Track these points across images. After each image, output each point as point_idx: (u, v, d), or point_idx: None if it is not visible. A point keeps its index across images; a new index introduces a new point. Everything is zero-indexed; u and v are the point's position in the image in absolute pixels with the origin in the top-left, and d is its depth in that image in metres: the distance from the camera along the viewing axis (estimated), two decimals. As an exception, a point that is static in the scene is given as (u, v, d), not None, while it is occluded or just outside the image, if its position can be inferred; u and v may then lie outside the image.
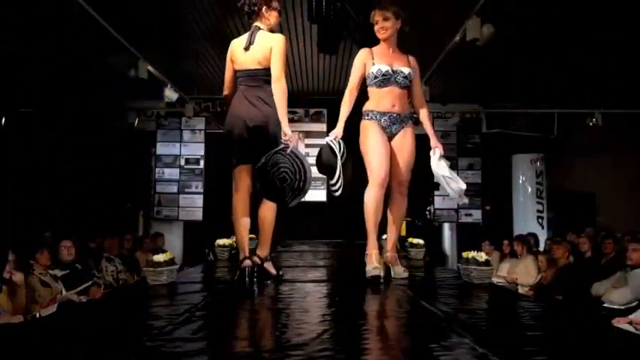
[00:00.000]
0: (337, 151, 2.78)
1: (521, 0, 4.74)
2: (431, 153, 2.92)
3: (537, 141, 8.19)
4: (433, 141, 2.94)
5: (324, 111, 8.10)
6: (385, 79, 2.85)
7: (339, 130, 2.89)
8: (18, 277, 3.52)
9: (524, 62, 6.38)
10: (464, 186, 2.96)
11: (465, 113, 8.17)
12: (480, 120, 8.28)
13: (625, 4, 4.78)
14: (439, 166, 2.90)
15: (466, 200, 3.11)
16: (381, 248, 2.98)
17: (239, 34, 2.95)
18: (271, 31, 2.85)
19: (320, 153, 2.86)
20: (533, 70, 6.65)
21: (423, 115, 3.04)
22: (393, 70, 2.85)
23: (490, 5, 3.95)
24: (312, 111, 8.02)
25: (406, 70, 2.87)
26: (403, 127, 2.93)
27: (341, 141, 2.84)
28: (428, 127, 3.01)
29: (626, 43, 5.72)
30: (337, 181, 2.78)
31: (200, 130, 7.81)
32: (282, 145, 2.64)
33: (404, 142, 2.92)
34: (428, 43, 5.88)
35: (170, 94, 6.34)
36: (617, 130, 8.08)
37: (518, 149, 8.14)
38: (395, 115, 2.88)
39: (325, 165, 2.81)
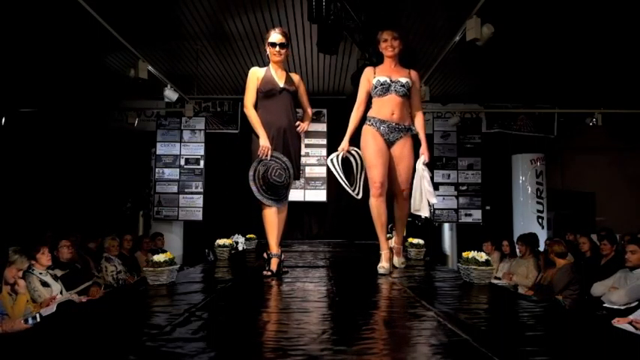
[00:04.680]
0: (334, 170, 3.20)
1: (521, 0, 4.75)
2: (419, 160, 3.20)
3: (537, 141, 8.20)
4: (422, 147, 3.21)
5: (324, 111, 8.10)
6: (384, 88, 3.13)
7: (344, 144, 3.25)
8: (21, 284, 3.53)
9: (524, 62, 6.39)
10: (433, 200, 3.19)
11: (465, 113, 8.18)
12: (480, 120, 8.29)
13: (625, 4, 4.78)
14: (422, 171, 3.19)
15: (426, 213, 3.25)
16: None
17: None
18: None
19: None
20: (533, 70, 6.65)
21: (418, 121, 3.27)
22: (391, 80, 3.13)
23: (490, 5, 3.95)
24: (312, 111, 8.02)
25: (403, 80, 3.13)
26: (402, 137, 3.18)
27: (356, 150, 3.26)
28: (421, 134, 3.27)
29: (626, 43, 5.72)
30: (355, 189, 3.26)
31: (200, 130, 7.81)
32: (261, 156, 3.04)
33: (403, 153, 3.19)
34: (428, 43, 5.90)
35: (170, 94, 6.34)
36: (617, 130, 8.09)
37: (518, 149, 8.15)
38: (393, 124, 3.15)
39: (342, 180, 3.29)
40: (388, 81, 3.12)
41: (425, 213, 3.19)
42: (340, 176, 3.21)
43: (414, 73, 3.23)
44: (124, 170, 8.10)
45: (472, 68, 6.61)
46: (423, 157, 3.17)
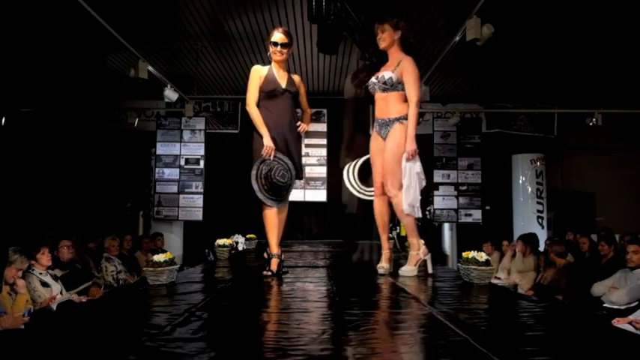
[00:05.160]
0: (345, 176, 3.35)
1: (521, 0, 4.75)
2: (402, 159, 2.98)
3: (537, 141, 8.20)
4: (407, 143, 2.95)
5: (324, 111, 8.08)
6: (370, 89, 3.18)
7: None
8: (20, 284, 3.53)
9: (524, 62, 6.38)
10: (416, 200, 2.93)
11: (465, 113, 8.18)
12: (479, 120, 8.29)
13: (625, 4, 4.78)
14: (409, 166, 2.94)
15: (417, 213, 2.96)
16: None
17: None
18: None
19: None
20: (533, 70, 6.65)
21: (408, 112, 3.01)
22: (376, 79, 3.11)
23: (490, 5, 3.96)
24: (312, 111, 8.03)
25: (380, 75, 3.08)
26: (389, 130, 3.08)
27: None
28: (409, 127, 2.98)
29: (626, 43, 5.72)
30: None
31: (200, 130, 7.81)
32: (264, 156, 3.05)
33: (386, 145, 3.07)
34: (428, 43, 5.90)
35: (170, 94, 6.34)
36: (617, 130, 8.09)
37: (518, 149, 8.15)
38: (380, 120, 3.14)
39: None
40: (374, 80, 3.13)
41: (414, 214, 2.95)
42: (349, 182, 3.23)
43: (405, 62, 3.01)
44: (124, 170, 8.10)
45: (472, 68, 6.61)
46: (405, 154, 2.92)
